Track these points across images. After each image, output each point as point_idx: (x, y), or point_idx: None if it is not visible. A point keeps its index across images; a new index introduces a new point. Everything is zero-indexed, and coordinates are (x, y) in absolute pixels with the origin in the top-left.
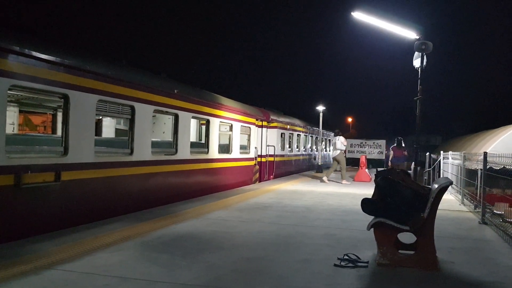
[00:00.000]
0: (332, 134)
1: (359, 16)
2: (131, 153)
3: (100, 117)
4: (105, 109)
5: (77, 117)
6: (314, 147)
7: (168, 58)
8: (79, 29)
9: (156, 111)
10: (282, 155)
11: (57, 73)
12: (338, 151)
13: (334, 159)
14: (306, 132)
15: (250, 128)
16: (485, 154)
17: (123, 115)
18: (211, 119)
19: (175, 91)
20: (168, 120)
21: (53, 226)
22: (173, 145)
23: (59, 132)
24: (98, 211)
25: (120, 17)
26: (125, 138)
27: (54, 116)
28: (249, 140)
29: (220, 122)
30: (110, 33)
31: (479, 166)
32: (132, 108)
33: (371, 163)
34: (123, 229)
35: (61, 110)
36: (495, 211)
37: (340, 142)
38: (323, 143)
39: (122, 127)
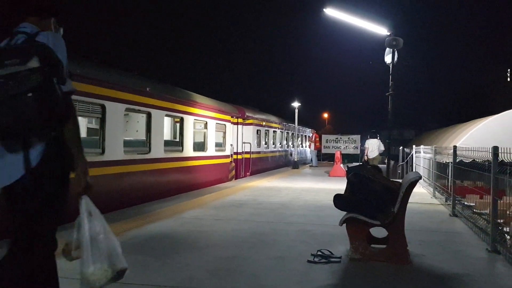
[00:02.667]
0: (308, 130)
1: (331, 12)
2: (103, 152)
3: None
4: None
5: None
6: (290, 144)
7: (140, 55)
8: None
9: (128, 109)
10: (258, 152)
11: None
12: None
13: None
14: (282, 129)
15: (225, 125)
16: (455, 147)
17: (94, 114)
18: (185, 117)
19: (148, 89)
20: (142, 118)
21: None
22: (146, 143)
23: None
24: (66, 214)
25: (88, 11)
26: (97, 137)
27: None
28: (224, 137)
29: (195, 120)
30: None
31: (450, 159)
32: (103, 107)
33: (347, 158)
34: None
35: None
36: (466, 203)
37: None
38: (299, 139)
39: (94, 126)
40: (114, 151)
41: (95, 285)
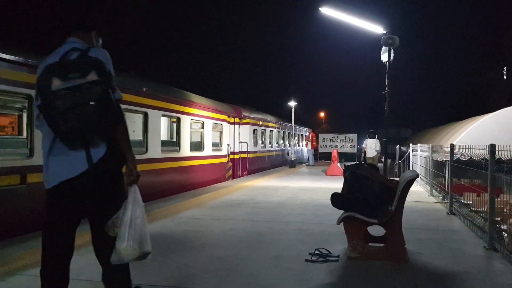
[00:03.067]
0: (305, 129)
1: (327, 11)
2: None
3: None
4: None
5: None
6: (287, 143)
7: (136, 56)
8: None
9: (124, 110)
10: (255, 151)
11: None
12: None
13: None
14: (279, 128)
15: (222, 125)
16: (452, 146)
17: None
18: (182, 116)
19: (144, 89)
20: (138, 118)
21: (19, 229)
22: (143, 144)
23: (24, 133)
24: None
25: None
26: None
27: (20, 117)
28: (221, 137)
29: (191, 119)
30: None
31: (447, 157)
32: None
33: (344, 157)
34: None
35: (26, 110)
36: (463, 201)
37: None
38: (296, 138)
39: None
40: None
41: (124, 260)
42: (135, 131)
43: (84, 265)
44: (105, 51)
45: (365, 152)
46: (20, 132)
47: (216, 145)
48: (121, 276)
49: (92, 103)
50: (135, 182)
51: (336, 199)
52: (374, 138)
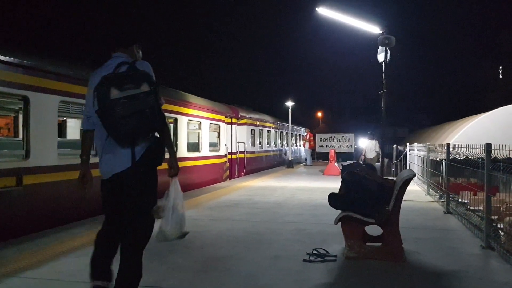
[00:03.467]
0: (302, 129)
1: (324, 11)
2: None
3: (64, 118)
4: (67, 110)
5: (38, 119)
6: (284, 143)
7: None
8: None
9: None
10: (253, 152)
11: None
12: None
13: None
14: (276, 128)
15: (219, 125)
16: (448, 145)
17: None
18: (179, 117)
19: None
20: None
21: (15, 231)
22: None
23: (20, 135)
24: (63, 215)
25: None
26: None
27: (16, 119)
28: (218, 137)
29: (189, 120)
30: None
31: (443, 157)
32: None
33: (341, 156)
34: (89, 232)
35: (21, 112)
36: (460, 200)
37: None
38: (293, 138)
39: None
40: None
41: (168, 239)
42: None
43: (80, 268)
44: (148, 64)
45: (365, 153)
46: (16, 134)
47: (213, 146)
48: (139, 254)
49: (147, 110)
50: (175, 175)
51: (334, 199)
52: (373, 139)
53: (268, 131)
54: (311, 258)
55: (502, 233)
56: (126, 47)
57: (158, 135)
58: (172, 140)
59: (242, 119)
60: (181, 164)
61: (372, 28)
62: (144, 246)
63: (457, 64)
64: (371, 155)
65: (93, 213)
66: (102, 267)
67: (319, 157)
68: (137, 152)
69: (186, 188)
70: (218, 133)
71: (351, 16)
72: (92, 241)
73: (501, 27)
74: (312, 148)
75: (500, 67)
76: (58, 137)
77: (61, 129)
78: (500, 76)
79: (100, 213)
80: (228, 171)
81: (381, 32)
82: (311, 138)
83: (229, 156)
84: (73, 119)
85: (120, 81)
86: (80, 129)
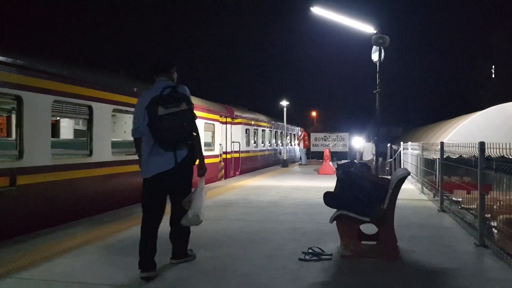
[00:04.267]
0: (297, 128)
1: (318, 11)
2: (90, 154)
3: (58, 118)
4: (61, 110)
5: (31, 119)
6: (279, 142)
7: (126, 55)
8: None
9: (115, 110)
10: (248, 151)
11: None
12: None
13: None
14: (271, 128)
15: (214, 125)
16: (442, 144)
17: (81, 115)
18: None
19: (135, 89)
20: (129, 119)
21: (9, 232)
22: (133, 144)
23: (13, 135)
24: (57, 215)
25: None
26: (84, 139)
27: (9, 119)
28: (213, 137)
29: None
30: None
31: (437, 155)
32: (90, 108)
33: (335, 155)
34: (84, 233)
35: (15, 112)
36: (454, 199)
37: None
38: (288, 137)
39: (81, 127)
40: (102, 152)
41: (192, 224)
42: (126, 132)
43: (75, 268)
44: (186, 88)
45: (361, 156)
46: (9, 134)
47: (208, 145)
48: (185, 236)
49: (185, 123)
50: (203, 174)
51: (329, 198)
52: (370, 142)
53: (262, 130)
54: (307, 257)
55: (495, 231)
56: (168, 73)
57: (191, 143)
58: None
59: (237, 119)
60: None
61: (367, 28)
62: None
63: (450, 64)
64: (367, 157)
65: (88, 214)
66: (149, 259)
67: (313, 156)
68: (178, 155)
69: None
70: (213, 132)
71: (345, 16)
72: (87, 241)
73: (493, 27)
74: (307, 148)
75: (493, 66)
76: (52, 137)
77: (55, 129)
78: (493, 76)
79: (94, 214)
80: (223, 171)
81: (375, 31)
82: (306, 137)
83: (224, 156)
84: (66, 119)
85: (165, 101)
86: (73, 129)
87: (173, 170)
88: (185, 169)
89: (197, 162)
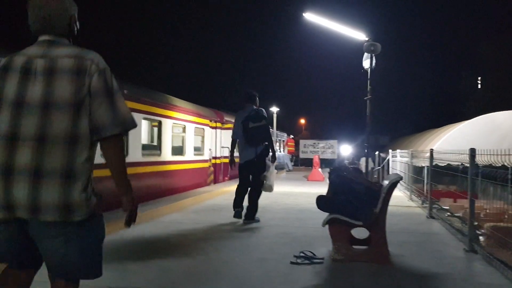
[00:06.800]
0: (285, 135)
1: (310, 17)
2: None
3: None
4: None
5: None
6: None
7: (116, 58)
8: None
9: (174, 124)
10: (237, 157)
11: None
12: None
13: None
14: None
15: (204, 129)
16: (431, 151)
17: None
18: (164, 120)
19: (125, 91)
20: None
21: None
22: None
23: None
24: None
25: None
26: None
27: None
28: (203, 141)
29: (173, 123)
30: None
31: (426, 163)
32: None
33: (324, 162)
34: None
35: None
36: (443, 207)
37: None
38: (277, 144)
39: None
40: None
41: (267, 190)
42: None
43: None
44: (263, 110)
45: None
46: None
47: (198, 150)
48: (255, 203)
49: (263, 132)
50: (274, 161)
51: (322, 201)
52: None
53: None
54: (298, 261)
55: (482, 239)
56: (253, 101)
57: (267, 143)
58: (157, 144)
59: (226, 124)
60: (165, 167)
61: (358, 35)
62: (260, 191)
63: (436, 74)
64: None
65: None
66: (239, 203)
67: (302, 163)
68: (258, 150)
69: (170, 192)
70: (203, 137)
71: (337, 23)
72: None
73: (479, 39)
74: (292, 154)
75: (479, 78)
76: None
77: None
78: (479, 86)
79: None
80: (212, 176)
81: (366, 39)
82: (291, 144)
83: (213, 161)
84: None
85: (253, 118)
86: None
87: (254, 159)
88: (261, 158)
89: (269, 154)
